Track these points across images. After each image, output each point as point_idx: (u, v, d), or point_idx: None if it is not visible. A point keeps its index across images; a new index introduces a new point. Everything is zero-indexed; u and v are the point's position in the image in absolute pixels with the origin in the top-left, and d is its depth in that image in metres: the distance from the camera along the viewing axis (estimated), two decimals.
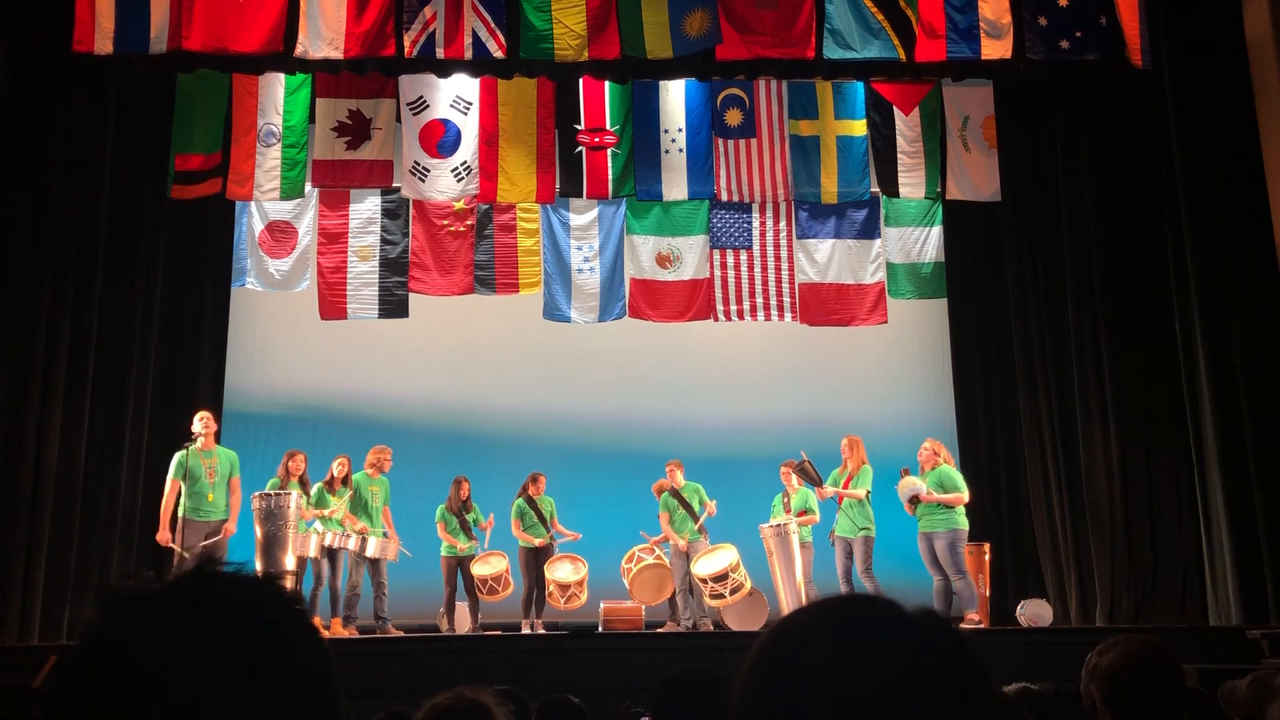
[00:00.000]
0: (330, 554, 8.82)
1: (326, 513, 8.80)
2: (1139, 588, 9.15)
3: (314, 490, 8.91)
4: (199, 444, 8.47)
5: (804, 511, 9.22)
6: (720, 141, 10.26)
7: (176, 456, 8.48)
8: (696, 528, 9.28)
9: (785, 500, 9.35)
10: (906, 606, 0.82)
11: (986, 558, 9.26)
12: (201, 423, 8.56)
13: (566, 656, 7.81)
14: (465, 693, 2.44)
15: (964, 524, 8.79)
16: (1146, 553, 9.19)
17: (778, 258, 10.43)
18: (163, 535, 8.36)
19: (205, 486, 8.38)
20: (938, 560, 8.72)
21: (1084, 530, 9.47)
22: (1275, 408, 8.75)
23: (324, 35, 8.83)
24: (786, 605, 8.72)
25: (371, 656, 7.68)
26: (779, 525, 9.05)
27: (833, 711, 0.75)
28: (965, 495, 8.77)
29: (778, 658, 0.82)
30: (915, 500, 8.76)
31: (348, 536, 8.83)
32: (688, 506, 9.36)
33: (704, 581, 8.95)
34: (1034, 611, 9.17)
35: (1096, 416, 9.52)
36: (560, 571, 9.09)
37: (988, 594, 9.14)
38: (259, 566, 8.07)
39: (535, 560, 9.26)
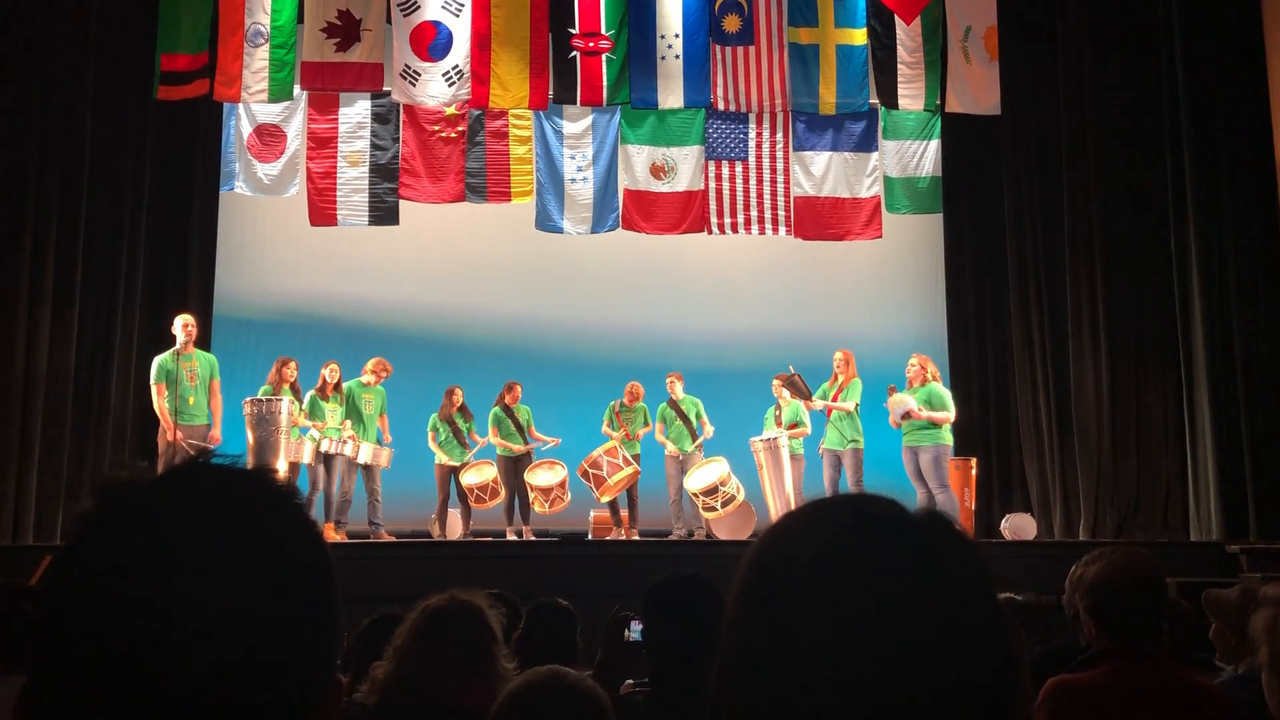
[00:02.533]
0: (326, 460, 8.87)
1: (322, 424, 8.83)
2: (1123, 503, 9.28)
3: (307, 398, 8.91)
4: (178, 347, 8.41)
5: (795, 424, 9.26)
6: (718, 48, 10.06)
7: (156, 360, 8.45)
8: (694, 446, 9.33)
9: (777, 414, 9.39)
10: (909, 508, 0.81)
11: (973, 472, 9.35)
12: (182, 327, 8.49)
13: (556, 562, 7.93)
14: (458, 595, 2.47)
15: (949, 439, 8.82)
16: (1131, 468, 9.31)
17: (774, 169, 10.30)
18: (175, 434, 8.30)
19: (186, 390, 8.36)
20: (922, 473, 8.77)
21: (1070, 445, 9.56)
22: (1265, 326, 8.78)
23: None
24: (776, 518, 8.79)
25: (364, 561, 7.78)
26: (769, 439, 9.10)
27: (832, 615, 0.75)
28: (952, 414, 8.78)
29: (775, 563, 0.81)
30: (907, 418, 8.76)
31: (344, 443, 8.88)
32: (684, 419, 9.40)
33: (695, 495, 9.05)
34: (1018, 525, 9.31)
35: (1087, 333, 9.55)
36: (540, 478, 9.16)
37: (973, 508, 9.25)
38: None
39: (515, 468, 9.33)
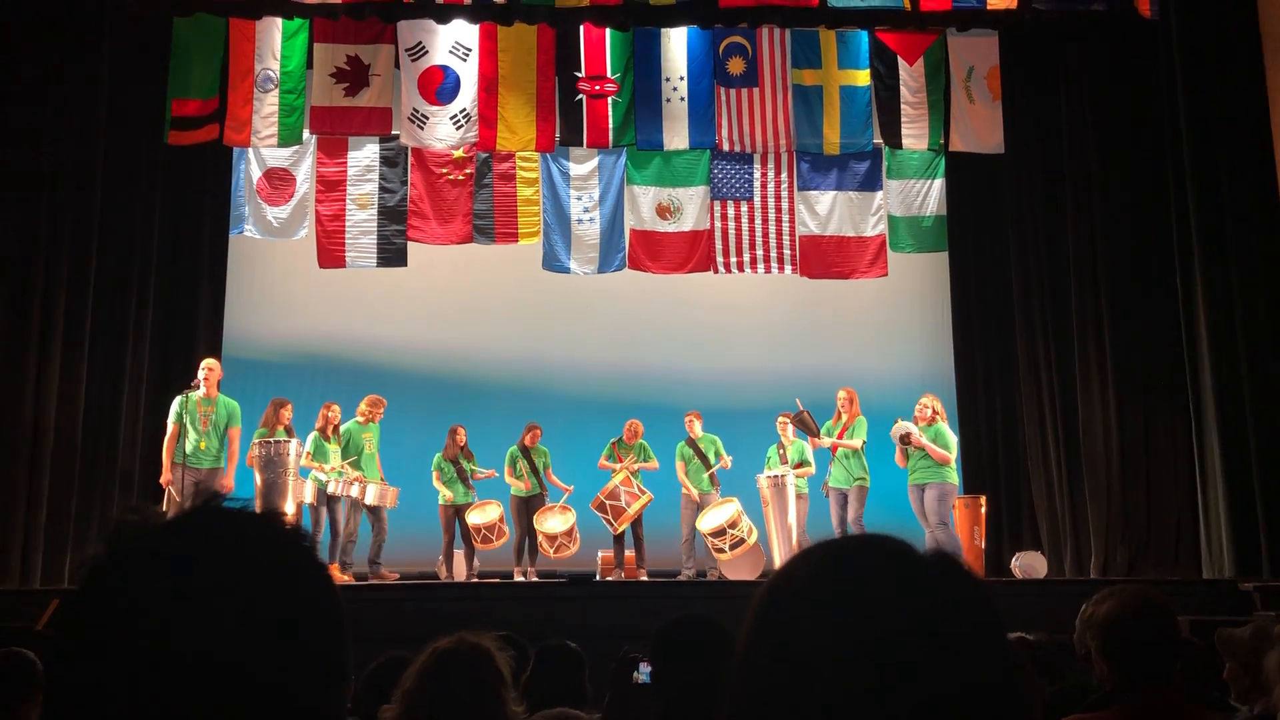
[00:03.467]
0: (329, 501, 8.85)
1: (329, 468, 8.81)
2: (1133, 540, 9.21)
3: (311, 439, 8.91)
4: (200, 391, 8.44)
5: (800, 463, 9.25)
6: (722, 90, 10.16)
7: (176, 400, 8.46)
8: (707, 476, 9.32)
9: (780, 451, 9.37)
10: (918, 549, 0.81)
11: (982, 510, 9.30)
12: (204, 370, 8.53)
13: (564, 604, 7.88)
14: (466, 637, 2.46)
15: (955, 479, 8.81)
16: (1141, 505, 9.24)
17: (778, 209, 10.37)
18: (165, 477, 8.38)
19: (196, 434, 8.34)
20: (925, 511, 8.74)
21: (1080, 483, 9.51)
22: (1274, 361, 8.75)
23: None
24: (780, 557, 8.78)
25: (371, 602, 7.74)
26: (775, 476, 9.08)
27: (841, 656, 0.75)
28: (952, 455, 8.77)
29: (784, 604, 0.81)
30: (905, 440, 8.73)
31: (350, 484, 8.86)
32: (703, 458, 9.40)
33: (706, 537, 9.03)
34: (1028, 563, 9.23)
35: (1095, 369, 9.52)
36: (549, 523, 9.14)
37: (983, 546, 9.19)
38: None
39: (526, 509, 9.32)
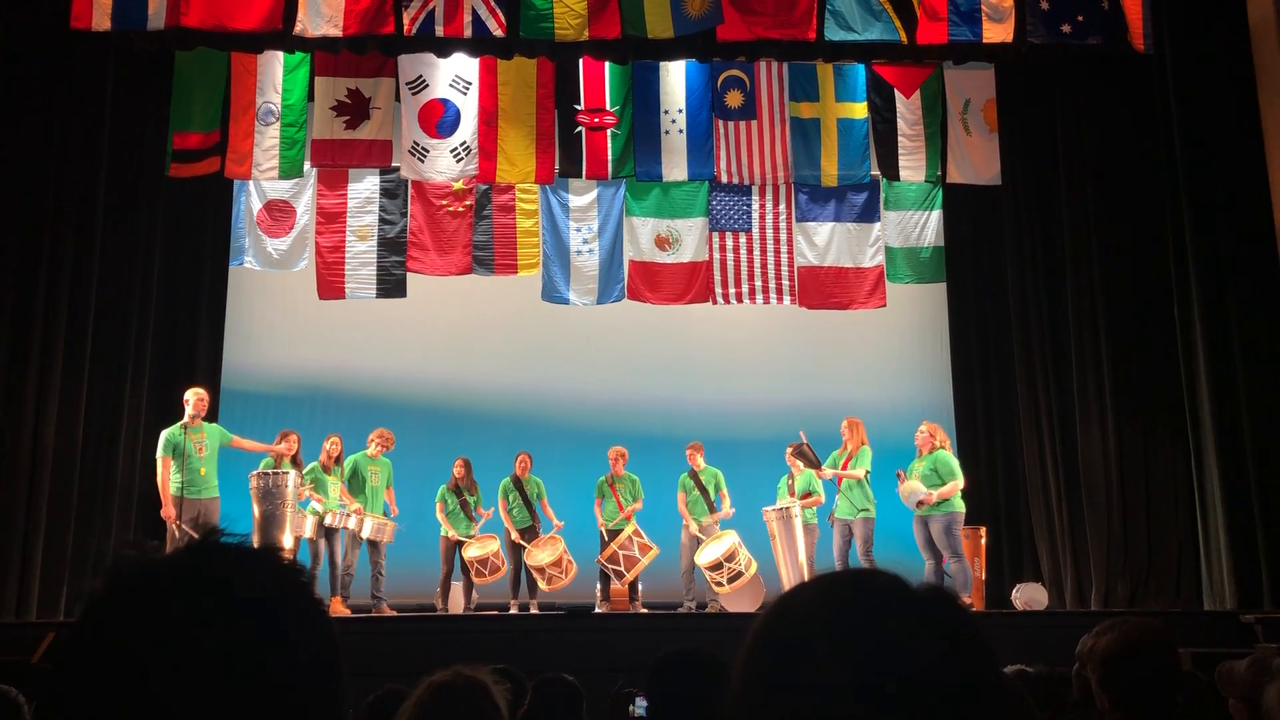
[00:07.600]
0: (328, 533, 8.81)
1: (325, 507, 8.77)
2: (1134, 571, 9.17)
3: (309, 469, 8.88)
4: (186, 419, 8.38)
5: (808, 494, 9.20)
6: (720, 123, 10.23)
7: (164, 434, 8.42)
8: (713, 520, 9.26)
9: (790, 483, 9.34)
10: (911, 583, 0.81)
11: (982, 541, 9.28)
12: (195, 398, 8.48)
13: (562, 636, 7.83)
14: (463, 670, 2.45)
15: (960, 507, 8.74)
16: (1142, 537, 9.21)
17: (777, 240, 10.41)
18: (167, 511, 8.27)
19: (196, 462, 8.27)
20: (932, 543, 8.68)
21: (1080, 514, 9.48)
22: (1272, 392, 8.75)
23: (323, 13, 8.80)
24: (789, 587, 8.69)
25: (368, 635, 7.70)
26: (782, 508, 9.03)
27: (834, 690, 0.75)
28: (961, 481, 8.71)
29: (778, 638, 0.81)
30: (921, 504, 8.69)
31: (348, 516, 8.83)
32: (704, 491, 9.35)
33: (704, 570, 8.98)
34: (1029, 595, 9.19)
35: (1094, 400, 9.52)
36: (537, 556, 9.08)
37: (983, 577, 9.15)
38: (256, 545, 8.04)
39: (520, 542, 9.28)
